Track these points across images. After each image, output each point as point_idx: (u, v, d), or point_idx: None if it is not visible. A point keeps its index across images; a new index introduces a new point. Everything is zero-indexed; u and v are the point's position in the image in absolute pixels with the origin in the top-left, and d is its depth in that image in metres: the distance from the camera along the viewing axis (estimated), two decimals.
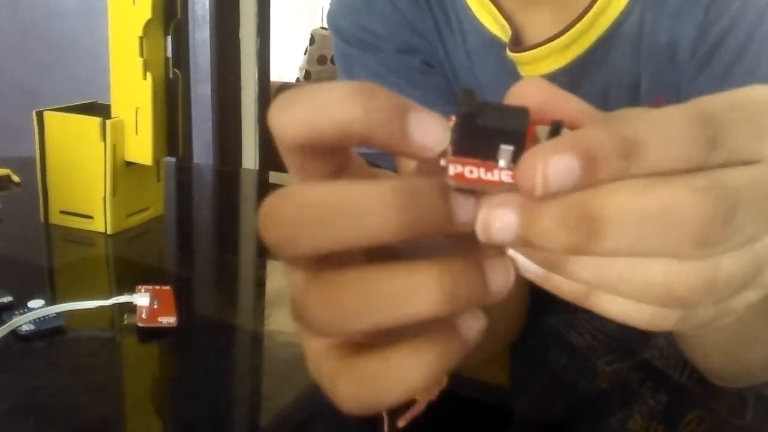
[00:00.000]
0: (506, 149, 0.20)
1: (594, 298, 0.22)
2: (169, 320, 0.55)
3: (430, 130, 0.20)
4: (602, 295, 0.22)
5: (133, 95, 0.75)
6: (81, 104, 0.80)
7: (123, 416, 0.47)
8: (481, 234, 0.20)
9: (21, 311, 0.55)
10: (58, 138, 0.76)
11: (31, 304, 0.56)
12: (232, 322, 0.62)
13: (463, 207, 0.20)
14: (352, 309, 0.20)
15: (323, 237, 0.20)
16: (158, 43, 0.76)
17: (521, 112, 0.19)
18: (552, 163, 0.18)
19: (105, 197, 0.76)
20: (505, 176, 0.20)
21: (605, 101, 0.55)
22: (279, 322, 0.62)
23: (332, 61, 3.96)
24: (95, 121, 0.75)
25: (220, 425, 0.46)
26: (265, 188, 1.19)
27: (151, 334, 0.55)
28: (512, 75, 0.56)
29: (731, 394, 0.53)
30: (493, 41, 0.57)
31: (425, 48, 0.61)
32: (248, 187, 1.17)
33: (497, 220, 0.20)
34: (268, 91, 2.88)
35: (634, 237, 0.18)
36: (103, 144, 0.75)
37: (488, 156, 0.20)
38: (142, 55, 0.74)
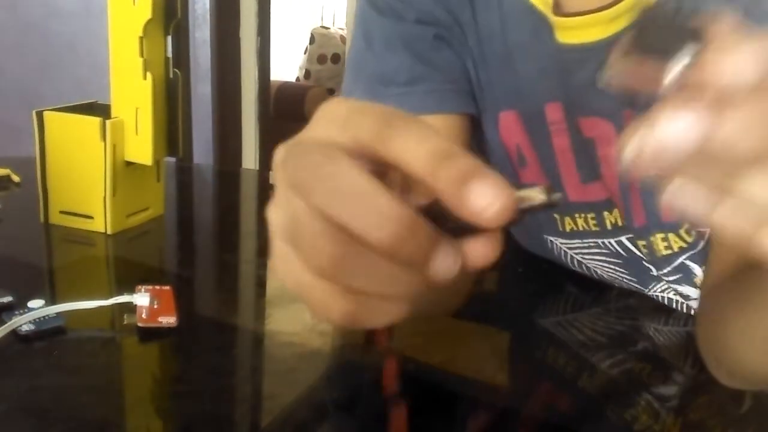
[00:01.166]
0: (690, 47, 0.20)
1: (762, 235, 0.21)
2: (169, 320, 0.55)
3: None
4: None
5: (133, 95, 0.75)
6: (81, 104, 0.80)
7: (123, 416, 0.47)
8: (655, 142, 0.21)
9: (21, 311, 0.55)
10: (58, 138, 0.76)
11: (31, 304, 0.56)
12: (232, 321, 0.62)
13: (442, 260, 0.23)
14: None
15: (322, 199, 0.22)
16: (158, 43, 0.76)
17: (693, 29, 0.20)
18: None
19: (105, 197, 0.76)
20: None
21: None
22: (279, 322, 0.62)
23: (332, 60, 3.94)
24: (95, 121, 0.75)
25: (221, 425, 0.46)
26: (265, 188, 1.19)
27: (151, 334, 0.55)
28: (546, 42, 0.57)
29: None
30: (531, 7, 0.57)
31: (445, 19, 0.61)
32: (248, 187, 1.17)
33: (682, 121, 0.20)
34: (268, 91, 2.88)
35: None
36: (103, 144, 0.75)
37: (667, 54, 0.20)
38: (142, 55, 0.74)
